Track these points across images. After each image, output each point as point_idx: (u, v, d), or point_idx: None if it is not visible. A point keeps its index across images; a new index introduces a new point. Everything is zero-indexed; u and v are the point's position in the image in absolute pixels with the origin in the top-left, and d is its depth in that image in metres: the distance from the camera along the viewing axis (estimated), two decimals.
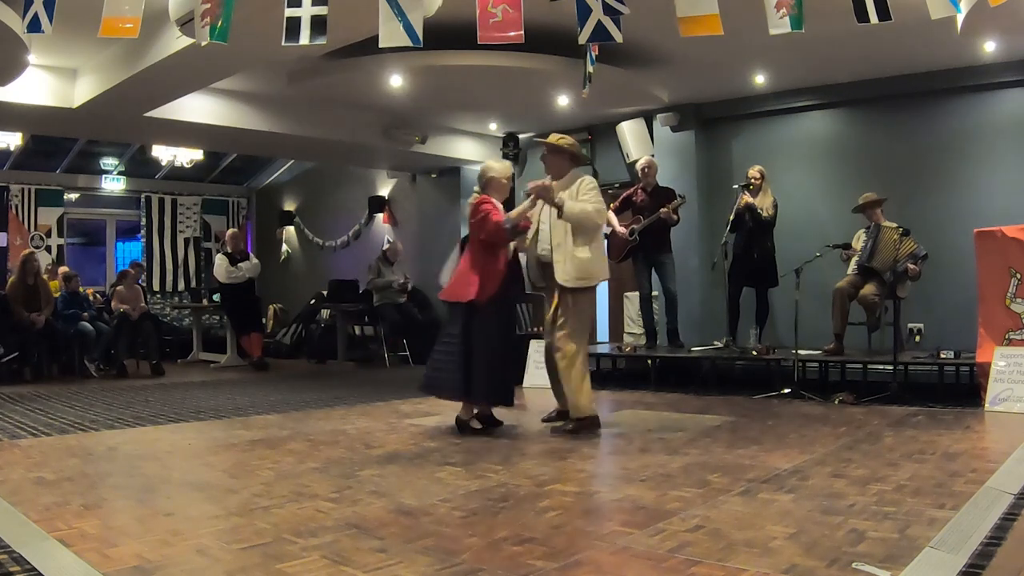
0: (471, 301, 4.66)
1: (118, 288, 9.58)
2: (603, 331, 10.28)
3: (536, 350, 7.55)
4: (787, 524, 2.76)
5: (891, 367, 6.08)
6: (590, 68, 4.88)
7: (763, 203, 7.08)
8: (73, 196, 12.07)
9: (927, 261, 6.44)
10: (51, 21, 3.89)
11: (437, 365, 4.86)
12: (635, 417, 5.58)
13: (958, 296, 6.73)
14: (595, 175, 8.16)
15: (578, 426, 4.75)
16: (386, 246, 10.44)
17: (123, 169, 12.33)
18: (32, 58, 6.36)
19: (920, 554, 2.40)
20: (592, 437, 4.69)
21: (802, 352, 6.53)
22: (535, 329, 9.01)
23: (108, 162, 12.19)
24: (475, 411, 4.94)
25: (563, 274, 4.72)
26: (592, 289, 4.88)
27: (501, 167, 5.07)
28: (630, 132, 8.92)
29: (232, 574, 2.32)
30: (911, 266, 6.30)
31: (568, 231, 4.74)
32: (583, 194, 4.74)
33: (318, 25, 3.89)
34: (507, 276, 4.79)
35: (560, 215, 4.67)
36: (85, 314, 8.90)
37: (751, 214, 7.07)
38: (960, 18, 4.73)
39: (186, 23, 4.88)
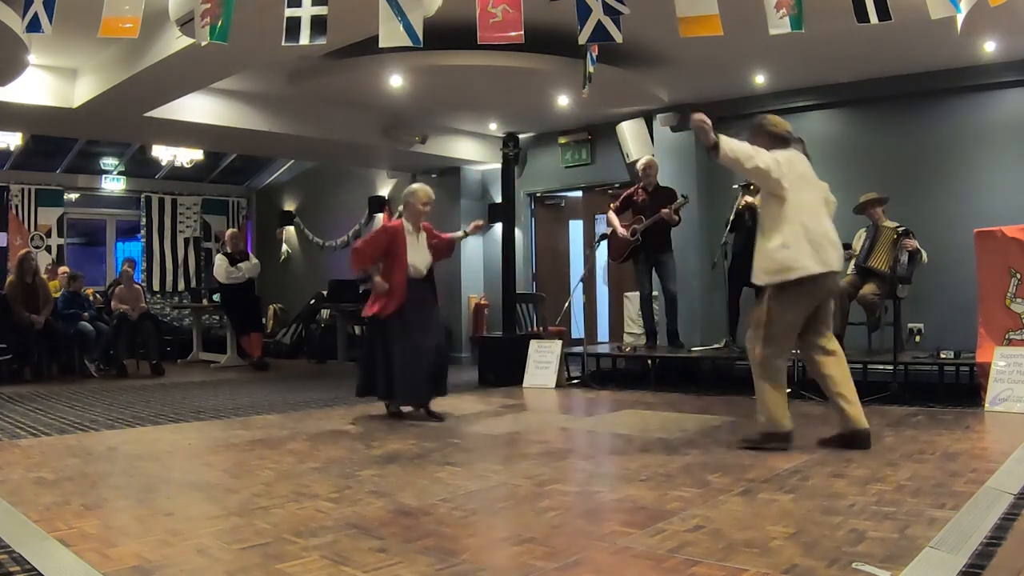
0: (375, 315, 5.24)
1: (117, 288, 9.59)
2: (603, 331, 10.29)
3: (536, 350, 7.58)
4: (787, 524, 2.76)
5: (891, 367, 6.07)
6: (590, 68, 4.88)
7: None
8: (73, 196, 12.06)
9: (927, 262, 6.45)
10: (51, 21, 3.89)
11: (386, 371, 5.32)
12: (635, 417, 5.58)
13: (958, 296, 6.72)
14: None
15: (761, 440, 4.17)
16: None
17: (123, 169, 12.32)
18: (32, 58, 6.36)
19: (920, 554, 2.40)
20: (770, 449, 4.09)
21: None
22: (535, 329, 9.01)
23: (108, 162, 12.18)
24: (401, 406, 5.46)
25: (753, 272, 4.21)
26: (792, 289, 4.05)
27: (420, 193, 5.31)
28: (630, 132, 8.91)
29: (232, 574, 2.32)
30: (907, 240, 6.29)
31: (759, 223, 4.27)
32: None
33: (318, 25, 3.90)
34: (409, 289, 5.25)
35: (715, 156, 4.20)
36: (85, 314, 8.90)
37: (751, 214, 7.06)
38: (960, 18, 4.72)
39: (186, 23, 4.88)
